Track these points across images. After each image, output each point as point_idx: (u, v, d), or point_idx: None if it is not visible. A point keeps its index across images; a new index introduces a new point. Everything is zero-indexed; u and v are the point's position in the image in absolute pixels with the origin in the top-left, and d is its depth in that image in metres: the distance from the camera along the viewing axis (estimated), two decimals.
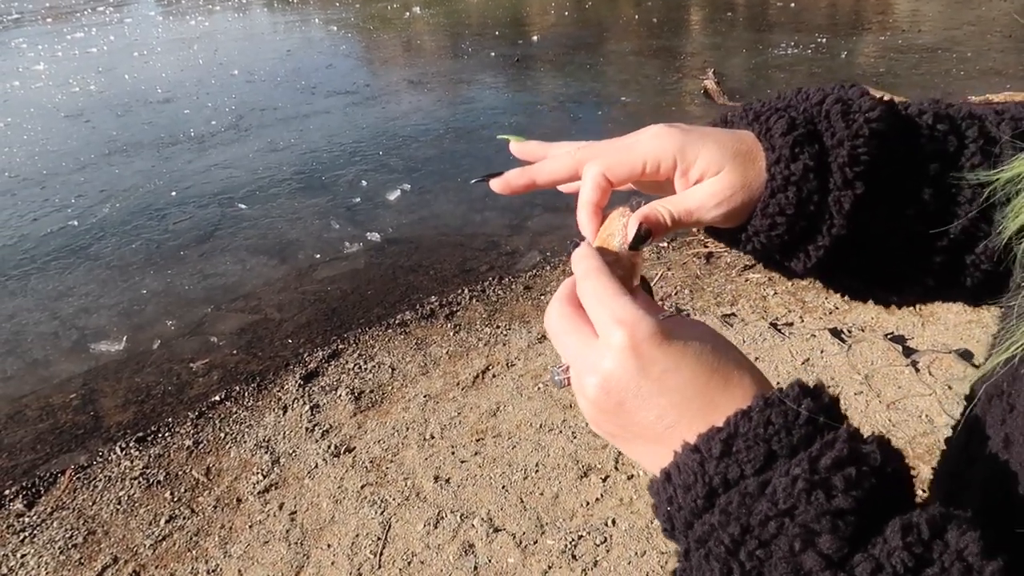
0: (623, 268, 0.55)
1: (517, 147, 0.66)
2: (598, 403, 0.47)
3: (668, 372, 0.46)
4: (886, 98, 0.61)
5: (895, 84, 8.22)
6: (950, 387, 3.09)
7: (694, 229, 5.12)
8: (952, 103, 0.63)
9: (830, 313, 3.81)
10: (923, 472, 2.69)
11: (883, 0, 14.18)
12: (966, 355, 3.29)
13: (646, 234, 0.56)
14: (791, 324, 3.75)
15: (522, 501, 2.81)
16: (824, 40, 10.83)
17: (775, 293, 4.09)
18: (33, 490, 3.24)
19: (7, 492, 3.24)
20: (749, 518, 0.40)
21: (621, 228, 0.57)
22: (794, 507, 0.39)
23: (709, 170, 0.56)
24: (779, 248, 0.60)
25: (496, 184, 0.63)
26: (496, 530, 2.68)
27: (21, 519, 3.06)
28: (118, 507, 3.07)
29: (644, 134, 0.58)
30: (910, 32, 10.97)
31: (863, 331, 3.58)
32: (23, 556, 2.85)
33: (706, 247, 4.81)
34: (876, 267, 0.63)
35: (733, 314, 3.92)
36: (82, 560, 2.81)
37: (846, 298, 0.68)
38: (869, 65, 9.42)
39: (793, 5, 13.98)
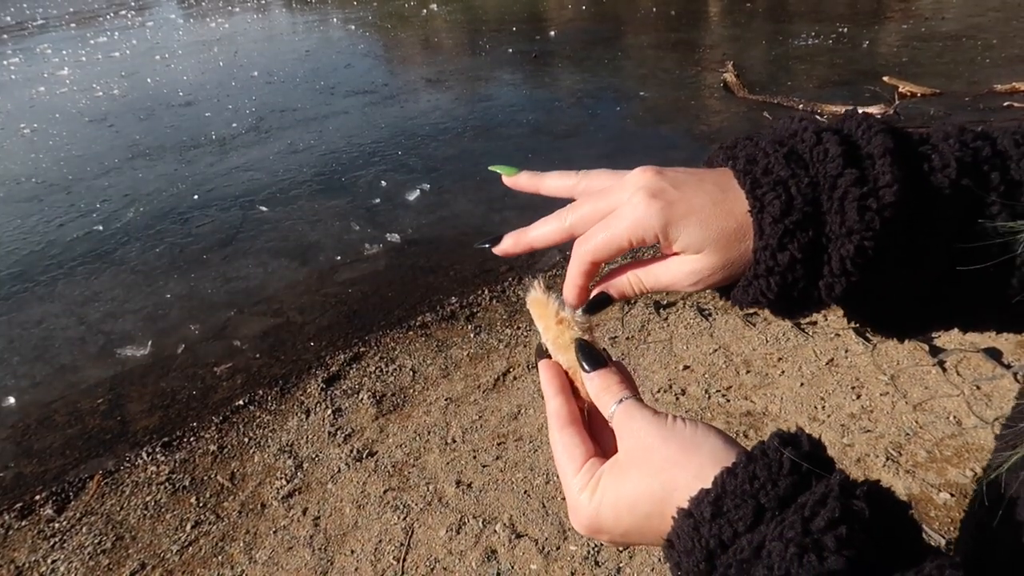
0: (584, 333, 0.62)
1: (509, 180, 0.68)
2: (589, 535, 0.55)
3: (619, 503, 0.51)
4: (912, 133, 0.57)
5: (918, 74, 8.09)
6: (978, 387, 3.04)
7: None
8: (977, 131, 0.57)
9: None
10: (950, 475, 2.66)
11: None
12: (994, 354, 3.23)
13: (605, 301, 0.60)
14: (815, 323, 3.71)
15: (544, 506, 2.81)
16: (845, 30, 10.68)
17: None
18: (63, 495, 3.29)
19: (38, 498, 3.29)
20: None
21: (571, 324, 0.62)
22: (788, 572, 0.40)
23: (690, 248, 0.55)
24: (769, 311, 0.59)
25: (497, 251, 0.66)
26: (518, 536, 2.68)
27: (51, 524, 3.11)
28: (145, 512, 3.11)
29: (631, 201, 0.56)
30: (933, 20, 10.79)
31: None
32: (53, 562, 2.90)
33: None
34: (880, 313, 0.60)
35: (755, 313, 3.88)
36: (110, 566, 2.85)
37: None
38: (891, 55, 9.27)
39: None
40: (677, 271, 0.56)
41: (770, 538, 0.42)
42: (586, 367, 0.58)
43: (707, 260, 0.55)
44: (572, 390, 0.61)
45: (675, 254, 0.56)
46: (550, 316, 0.63)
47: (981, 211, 0.54)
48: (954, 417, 2.93)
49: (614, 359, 0.61)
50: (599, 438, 0.58)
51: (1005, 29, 9.74)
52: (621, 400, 0.55)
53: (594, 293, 0.61)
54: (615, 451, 0.55)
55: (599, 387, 0.57)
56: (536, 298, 0.65)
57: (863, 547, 0.41)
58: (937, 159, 0.54)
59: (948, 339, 3.41)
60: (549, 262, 4.89)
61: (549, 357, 0.64)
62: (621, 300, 0.62)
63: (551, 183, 0.66)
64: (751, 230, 0.53)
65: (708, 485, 0.46)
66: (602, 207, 0.59)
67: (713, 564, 0.44)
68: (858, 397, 3.12)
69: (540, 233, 0.63)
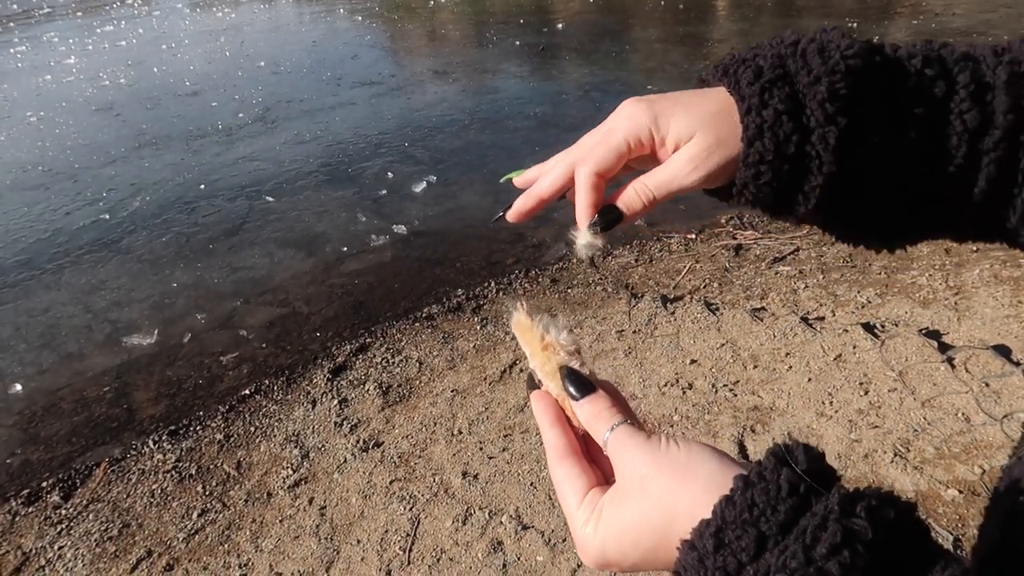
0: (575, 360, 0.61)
1: (519, 179, 0.70)
2: (599, 569, 0.54)
3: (623, 536, 0.50)
4: (875, 40, 0.59)
5: None
6: (987, 384, 3.03)
7: (722, 220, 5.07)
8: (948, 43, 0.60)
9: (862, 307, 3.75)
10: (959, 472, 2.65)
11: None
12: (1003, 351, 3.22)
13: (614, 216, 0.62)
14: (822, 318, 3.69)
15: (550, 498, 2.80)
16: (855, 25, 10.62)
17: (806, 286, 4.03)
18: (69, 482, 3.30)
19: (44, 484, 3.31)
20: None
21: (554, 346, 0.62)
22: None
23: (682, 137, 0.57)
24: (772, 196, 0.59)
25: (509, 215, 0.67)
26: (524, 527, 2.68)
27: (58, 511, 3.12)
28: (151, 500, 3.11)
29: (618, 116, 0.60)
30: (944, 15, 10.73)
31: (896, 326, 3.52)
32: (60, 548, 2.91)
33: (735, 239, 4.76)
34: (880, 213, 0.61)
35: (763, 308, 3.87)
36: (117, 553, 2.86)
37: (849, 244, 0.66)
38: None
39: None
40: (676, 164, 0.58)
41: (774, 569, 0.41)
42: (575, 395, 0.58)
43: (699, 142, 0.57)
44: (566, 418, 0.60)
45: (671, 157, 0.59)
46: (535, 341, 0.62)
47: (944, 110, 0.56)
48: (963, 414, 2.92)
49: (603, 379, 0.61)
50: (599, 463, 0.58)
51: (1016, 25, 9.68)
52: (613, 427, 0.54)
53: (602, 208, 0.63)
54: (615, 475, 0.55)
55: (589, 415, 0.57)
56: (520, 321, 0.64)
57: (867, 567, 0.40)
58: (904, 51, 0.58)
59: (957, 336, 3.40)
60: (556, 255, 4.88)
61: (539, 384, 0.64)
62: (631, 216, 0.63)
63: (550, 161, 0.68)
64: (734, 110, 0.57)
65: (707, 515, 0.45)
66: (596, 135, 0.63)
67: None
68: (866, 393, 3.11)
69: (547, 181, 0.65)
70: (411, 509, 2.86)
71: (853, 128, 0.55)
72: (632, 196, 0.62)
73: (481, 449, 3.13)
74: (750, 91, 0.55)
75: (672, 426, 3.09)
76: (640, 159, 0.64)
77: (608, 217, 0.63)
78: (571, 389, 0.58)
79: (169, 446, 3.44)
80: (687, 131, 0.57)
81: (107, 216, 6.20)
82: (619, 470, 0.52)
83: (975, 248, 4.18)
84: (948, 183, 0.57)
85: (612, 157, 0.60)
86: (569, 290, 4.37)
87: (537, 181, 0.66)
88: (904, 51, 0.58)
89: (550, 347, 0.61)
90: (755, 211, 0.66)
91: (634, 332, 3.79)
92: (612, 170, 0.61)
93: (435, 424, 3.33)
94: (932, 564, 0.42)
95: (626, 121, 0.60)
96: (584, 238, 0.64)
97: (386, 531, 2.77)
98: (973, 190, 0.57)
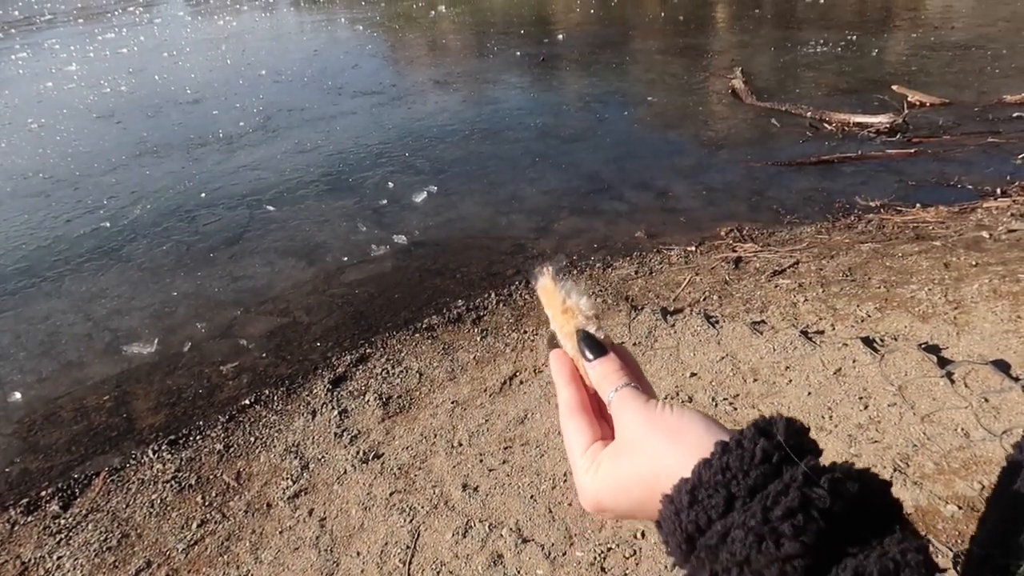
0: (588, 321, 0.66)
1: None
2: (594, 513, 0.59)
3: (616, 487, 0.56)
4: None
5: (928, 83, 8.08)
6: (986, 400, 3.03)
7: (722, 233, 5.09)
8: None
9: (862, 321, 3.76)
10: (958, 487, 2.65)
11: None
12: (1003, 366, 3.23)
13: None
14: (822, 332, 3.70)
15: (550, 511, 2.80)
16: (854, 37, 10.68)
17: (806, 300, 4.05)
18: (68, 492, 3.30)
19: (43, 493, 3.30)
20: (715, 565, 0.46)
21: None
22: (748, 557, 0.44)
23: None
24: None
25: None
26: (525, 540, 2.68)
27: (57, 521, 3.12)
28: (151, 510, 3.11)
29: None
30: (942, 29, 10.79)
31: (896, 340, 3.53)
32: (59, 558, 2.90)
33: (734, 252, 4.77)
34: None
35: (763, 321, 3.88)
36: (116, 563, 2.85)
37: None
38: (900, 63, 9.27)
39: (822, 1, 13.80)
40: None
41: (735, 526, 0.45)
42: (588, 356, 0.63)
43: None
44: (580, 377, 0.65)
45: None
46: (557, 304, 0.66)
47: None
48: (962, 429, 2.92)
49: (618, 344, 0.65)
50: (607, 421, 0.62)
51: (1015, 39, 9.73)
52: (618, 388, 0.59)
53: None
54: (615, 432, 0.60)
55: (599, 375, 0.61)
56: (545, 286, 0.68)
57: (821, 533, 0.44)
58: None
59: (956, 351, 3.41)
60: (556, 266, 4.88)
61: (558, 344, 0.68)
62: None
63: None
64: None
65: (688, 474, 0.49)
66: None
67: (693, 546, 0.48)
68: (865, 407, 3.11)
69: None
70: (411, 521, 2.85)
71: None
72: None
73: (481, 461, 3.13)
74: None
75: None
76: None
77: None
78: (585, 351, 0.63)
79: (169, 456, 3.44)
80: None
81: (108, 224, 6.20)
82: (619, 427, 0.58)
83: (974, 263, 4.20)
84: None
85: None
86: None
87: None
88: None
89: (570, 311, 0.65)
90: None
91: (634, 344, 3.80)
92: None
93: (435, 436, 3.33)
94: (888, 535, 0.45)
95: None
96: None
97: (386, 543, 2.77)
98: None
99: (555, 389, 0.66)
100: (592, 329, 0.64)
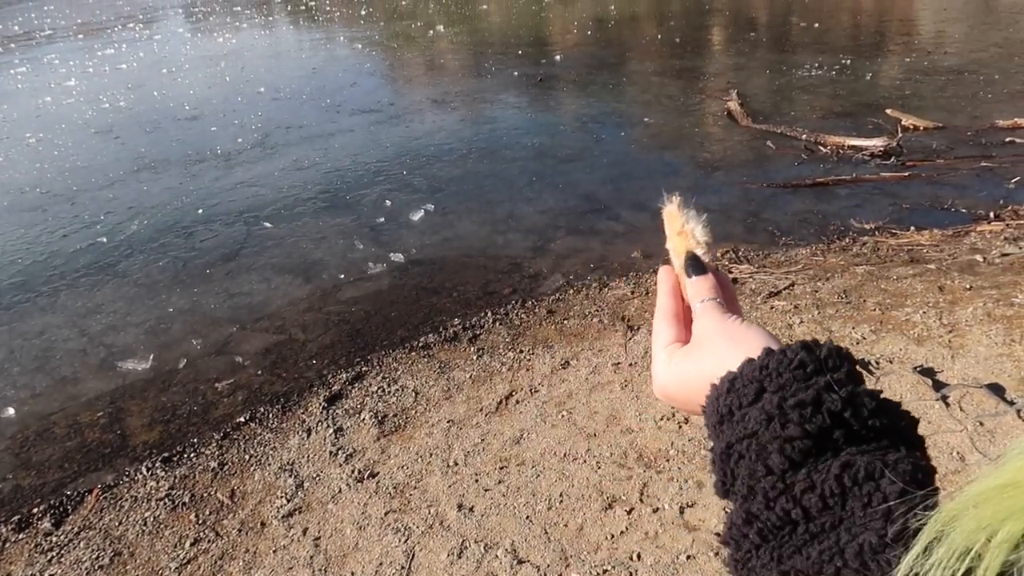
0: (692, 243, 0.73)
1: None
2: (661, 398, 0.68)
3: (681, 377, 0.64)
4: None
5: (921, 107, 8.16)
6: (981, 423, 3.04)
7: (717, 254, 5.10)
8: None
9: (857, 343, 3.77)
10: None
11: (908, 21, 14.13)
12: (997, 390, 3.24)
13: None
14: None
15: (546, 532, 2.79)
16: (848, 61, 10.79)
17: (801, 321, 4.06)
18: (60, 509, 3.27)
19: (35, 510, 3.28)
20: (732, 436, 0.54)
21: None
22: (756, 432, 0.52)
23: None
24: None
25: None
26: (520, 561, 2.67)
27: (49, 538, 3.09)
28: (144, 528, 3.09)
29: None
30: (935, 54, 10.91)
31: (891, 363, 3.54)
32: None
33: (730, 273, 4.78)
34: None
35: None
36: None
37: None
38: (894, 87, 9.36)
39: (817, 26, 13.96)
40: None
41: (756, 410, 0.53)
42: (689, 274, 0.70)
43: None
44: (680, 292, 0.73)
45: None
46: (676, 227, 0.74)
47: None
48: (957, 452, 2.93)
49: (721, 272, 0.73)
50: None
51: (1007, 65, 9.84)
52: (704, 300, 0.67)
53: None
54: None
55: (694, 290, 0.69)
56: (670, 211, 0.75)
57: (824, 427, 0.50)
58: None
59: (951, 374, 3.42)
60: (553, 286, 4.90)
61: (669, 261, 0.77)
62: None
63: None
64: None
65: (735, 370, 0.57)
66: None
67: (722, 425, 0.56)
68: None
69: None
70: (406, 541, 2.84)
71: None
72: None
73: (477, 481, 3.12)
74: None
75: (668, 461, 3.09)
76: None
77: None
78: (688, 269, 0.71)
79: (162, 473, 3.42)
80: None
81: (104, 239, 6.20)
82: (695, 331, 0.66)
83: (968, 286, 4.22)
84: None
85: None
86: (565, 321, 4.39)
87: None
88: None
89: (685, 234, 0.73)
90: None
91: (630, 365, 3.80)
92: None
93: (431, 455, 3.32)
94: (892, 450, 0.50)
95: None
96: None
97: (380, 563, 2.75)
98: None
99: (654, 299, 0.77)
100: (700, 253, 0.72)
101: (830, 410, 0.51)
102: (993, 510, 0.38)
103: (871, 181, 6.37)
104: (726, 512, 0.55)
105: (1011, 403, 3.14)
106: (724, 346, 0.61)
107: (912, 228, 5.34)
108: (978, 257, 4.63)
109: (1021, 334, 3.66)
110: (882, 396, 0.53)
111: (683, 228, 0.73)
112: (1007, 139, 7.01)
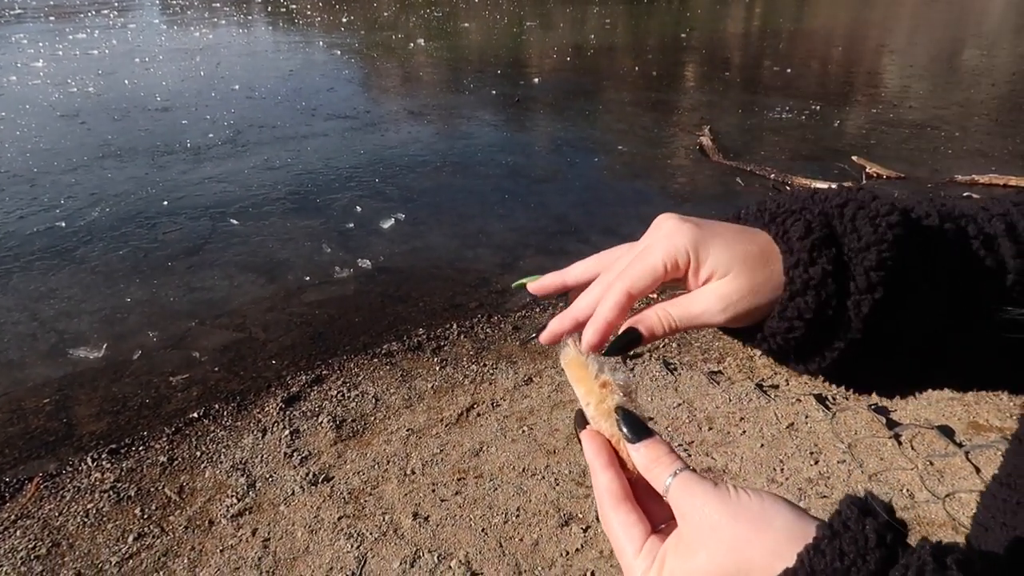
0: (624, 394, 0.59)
1: (534, 286, 0.67)
2: None
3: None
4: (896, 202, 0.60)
5: (885, 156, 8.41)
6: (931, 463, 3.12)
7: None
8: (944, 201, 0.63)
9: (815, 378, 3.83)
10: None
11: (875, 74, 14.57)
12: (947, 431, 3.32)
13: (634, 339, 0.57)
14: (777, 387, 3.77)
15: (501, 545, 2.77)
16: (818, 107, 11.08)
17: (761, 354, 4.11)
18: None
19: None
20: None
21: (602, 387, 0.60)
22: None
23: (717, 271, 0.55)
24: (794, 349, 0.58)
25: (543, 337, 0.64)
26: (474, 573, 2.64)
27: None
28: (85, 520, 2.99)
29: (658, 232, 0.57)
30: (900, 107, 11.27)
31: (847, 399, 3.61)
32: None
33: None
34: (887, 367, 0.60)
35: (720, 372, 3.94)
36: (44, 573, 2.73)
37: (851, 391, 0.65)
38: (860, 135, 9.64)
39: (789, 71, 14.32)
40: (707, 299, 0.56)
41: None
42: (631, 437, 0.56)
43: (735, 283, 0.55)
44: (619, 461, 0.58)
45: (701, 288, 0.56)
46: (590, 379, 0.60)
47: (965, 260, 0.58)
48: (907, 490, 2.99)
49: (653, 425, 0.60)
50: (647, 508, 0.57)
51: (967, 123, 10.21)
52: (675, 473, 0.53)
53: (621, 330, 0.58)
54: (664, 521, 0.54)
55: (648, 459, 0.55)
56: (573, 358, 0.62)
57: None
58: (919, 210, 0.60)
59: (904, 414, 3.50)
60: (519, 303, 4.91)
61: (587, 423, 0.61)
62: (649, 340, 0.59)
63: (575, 271, 0.65)
64: (774, 255, 0.55)
65: (791, 564, 0.45)
66: (631, 249, 0.60)
67: None
68: (816, 463, 3.17)
69: (585, 303, 0.62)
70: (358, 547, 2.79)
71: (888, 296, 0.55)
72: (654, 321, 0.58)
73: (434, 491, 3.09)
74: (800, 245, 0.54)
75: None
76: (669, 282, 0.61)
77: (627, 339, 0.58)
78: (627, 431, 0.56)
79: (109, 465, 3.32)
80: (724, 267, 0.55)
81: (63, 224, 6.05)
82: (685, 517, 0.51)
83: None
84: (976, 333, 0.58)
85: (648, 279, 0.57)
86: (531, 338, 4.38)
87: (575, 303, 0.62)
88: (919, 209, 0.59)
89: (607, 386, 0.60)
90: (767, 358, 0.65)
91: None
92: (645, 292, 0.58)
93: (388, 462, 3.28)
94: None
95: (666, 240, 0.56)
96: (571, 351, 0.61)
97: (331, 568, 2.70)
98: (996, 338, 0.58)
99: (590, 472, 0.59)
100: (630, 407, 0.58)
101: None
102: None
103: None
104: None
105: (960, 445, 3.22)
106: (745, 533, 0.48)
107: None
108: None
109: None
110: (958, 544, 0.46)
111: (601, 379, 0.60)
112: (964, 194, 7.26)
